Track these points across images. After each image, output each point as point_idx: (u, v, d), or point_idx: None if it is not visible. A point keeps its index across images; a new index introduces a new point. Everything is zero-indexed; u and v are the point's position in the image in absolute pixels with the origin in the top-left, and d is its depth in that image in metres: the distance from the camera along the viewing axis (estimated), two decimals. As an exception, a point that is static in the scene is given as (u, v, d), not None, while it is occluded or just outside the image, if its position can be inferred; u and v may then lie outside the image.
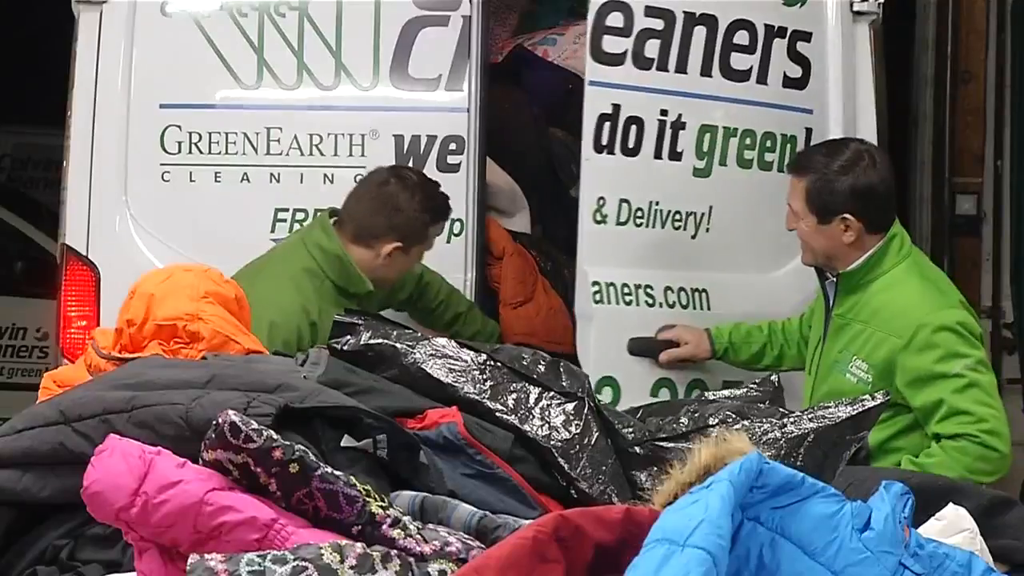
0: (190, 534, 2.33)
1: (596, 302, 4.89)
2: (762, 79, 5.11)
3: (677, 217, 5.04)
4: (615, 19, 4.92)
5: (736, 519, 2.04)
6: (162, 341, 3.66)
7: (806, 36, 5.14)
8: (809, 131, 5.17)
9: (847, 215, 4.35)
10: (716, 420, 3.29)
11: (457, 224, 5.11)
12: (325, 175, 5.17)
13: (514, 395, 3.23)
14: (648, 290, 5.00)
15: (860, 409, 3.30)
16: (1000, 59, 8.01)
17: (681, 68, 5.01)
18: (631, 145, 4.94)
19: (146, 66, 5.23)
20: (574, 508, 2.24)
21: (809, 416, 3.28)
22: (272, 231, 5.18)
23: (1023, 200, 7.84)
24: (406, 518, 2.39)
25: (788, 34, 5.13)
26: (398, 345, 3.30)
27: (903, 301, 4.37)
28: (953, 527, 2.52)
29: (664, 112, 4.99)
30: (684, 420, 3.32)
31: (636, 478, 3.21)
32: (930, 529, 2.47)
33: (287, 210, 5.17)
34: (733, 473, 2.05)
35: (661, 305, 5.01)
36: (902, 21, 7.66)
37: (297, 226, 5.12)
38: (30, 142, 12.66)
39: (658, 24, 4.96)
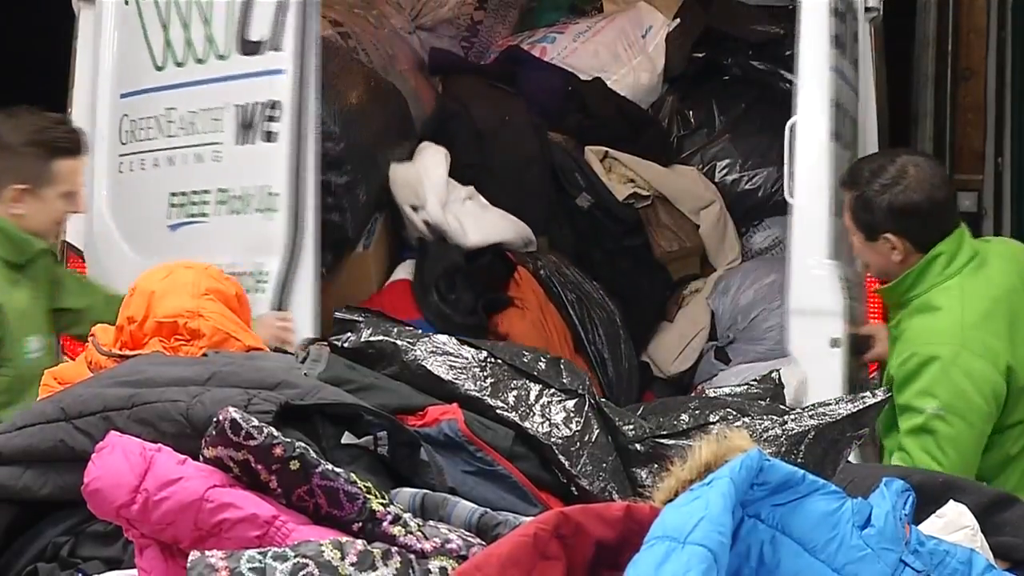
0: (191, 531, 2.33)
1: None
2: None
3: None
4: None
5: (737, 516, 2.04)
6: (163, 338, 3.67)
7: None
8: None
9: (888, 235, 4.23)
10: (717, 417, 3.29)
11: (269, 199, 4.86)
12: (198, 155, 5.06)
13: (515, 392, 3.23)
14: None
15: (860, 406, 3.29)
16: (1001, 56, 8.02)
17: None
18: None
19: (111, 57, 5.24)
20: (575, 505, 2.24)
21: (810, 413, 3.28)
22: (168, 218, 5.12)
23: (1024, 197, 7.87)
24: (407, 515, 2.39)
25: None
26: (399, 342, 3.30)
27: (920, 324, 4.23)
28: (954, 524, 2.52)
29: None
30: (685, 417, 3.32)
31: (637, 475, 3.21)
32: (931, 526, 2.47)
33: (184, 194, 5.08)
34: (734, 470, 2.06)
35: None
36: (903, 19, 7.66)
37: (194, 208, 5.03)
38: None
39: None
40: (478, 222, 5.92)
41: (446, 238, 5.86)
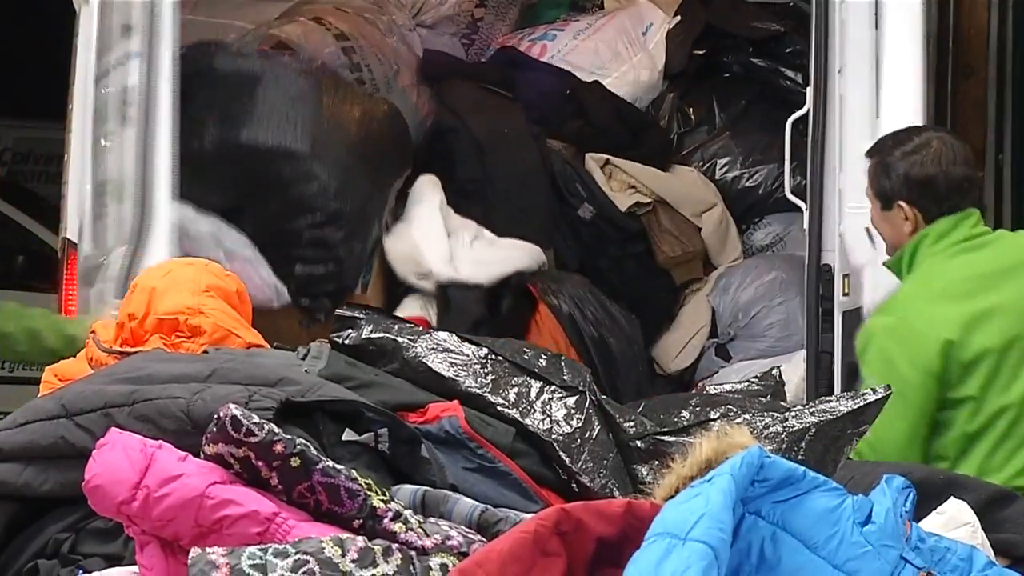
0: (191, 528, 2.33)
1: None
2: None
3: None
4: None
5: (737, 513, 2.04)
6: (163, 335, 3.67)
7: None
8: None
9: (902, 203, 4.25)
10: (717, 414, 3.28)
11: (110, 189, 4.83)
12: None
13: (515, 389, 3.23)
14: None
15: (861, 403, 3.29)
16: (1001, 53, 8.02)
17: None
18: None
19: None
20: (575, 502, 2.24)
21: (810, 410, 3.28)
22: None
23: (1024, 193, 7.87)
24: (407, 512, 2.39)
25: None
26: (399, 339, 3.29)
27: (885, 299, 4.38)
28: (954, 521, 2.52)
29: None
30: (685, 414, 3.32)
31: (637, 472, 3.21)
32: (931, 523, 2.47)
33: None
34: (734, 467, 2.06)
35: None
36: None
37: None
38: (31, 136, 12.68)
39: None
40: (489, 262, 5.88)
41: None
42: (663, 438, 3.24)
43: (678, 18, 6.76)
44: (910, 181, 4.24)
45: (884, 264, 4.49)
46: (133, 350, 3.61)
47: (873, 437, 3.77)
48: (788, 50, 6.57)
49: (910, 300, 4.23)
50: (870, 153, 4.43)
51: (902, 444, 4.06)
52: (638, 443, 3.25)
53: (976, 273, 4.24)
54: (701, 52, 6.72)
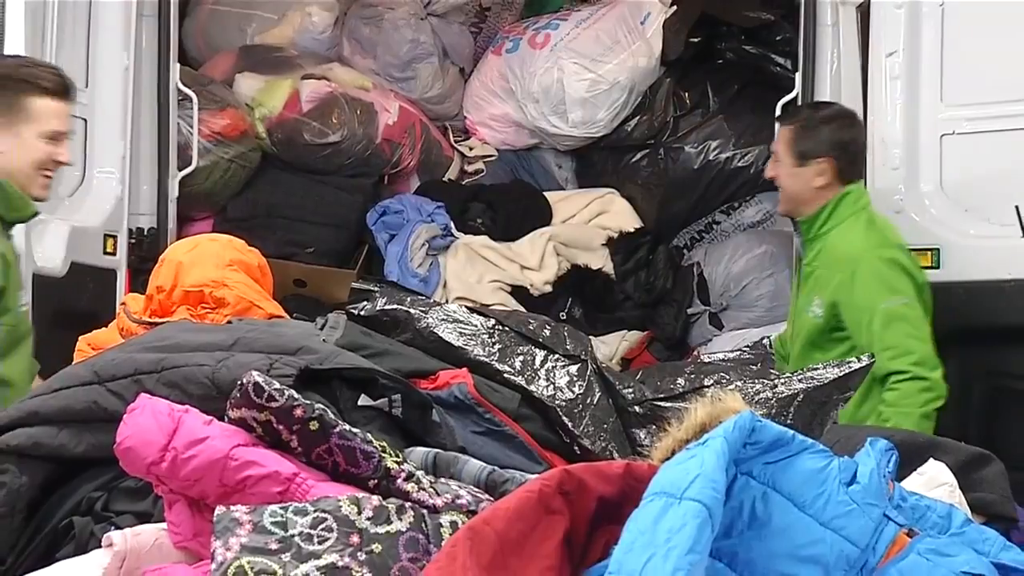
0: (216, 487, 2.33)
1: None
2: None
3: None
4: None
5: (730, 474, 2.04)
6: (190, 306, 3.67)
7: None
8: None
9: (823, 158, 4.61)
10: (711, 381, 3.29)
11: None
12: None
13: (521, 358, 3.23)
14: None
15: (846, 371, 3.29)
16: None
17: None
18: None
19: None
20: (578, 464, 2.23)
21: (799, 377, 3.28)
22: None
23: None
24: (419, 473, 2.39)
25: None
26: (412, 310, 3.29)
27: (848, 241, 4.56)
28: (934, 481, 2.52)
29: None
30: (681, 381, 3.32)
31: (636, 435, 3.21)
32: (912, 483, 2.47)
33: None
34: (727, 430, 2.05)
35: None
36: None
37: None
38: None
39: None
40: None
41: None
42: (660, 403, 3.25)
43: (674, 8, 6.74)
44: (835, 140, 4.64)
45: (801, 221, 4.72)
46: (161, 320, 3.61)
47: (917, 356, 4.29)
48: (778, 37, 6.55)
49: (895, 238, 4.60)
50: (784, 119, 4.88)
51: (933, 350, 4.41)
52: (636, 408, 3.25)
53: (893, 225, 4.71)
54: (696, 40, 6.70)
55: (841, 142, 4.65)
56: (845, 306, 4.47)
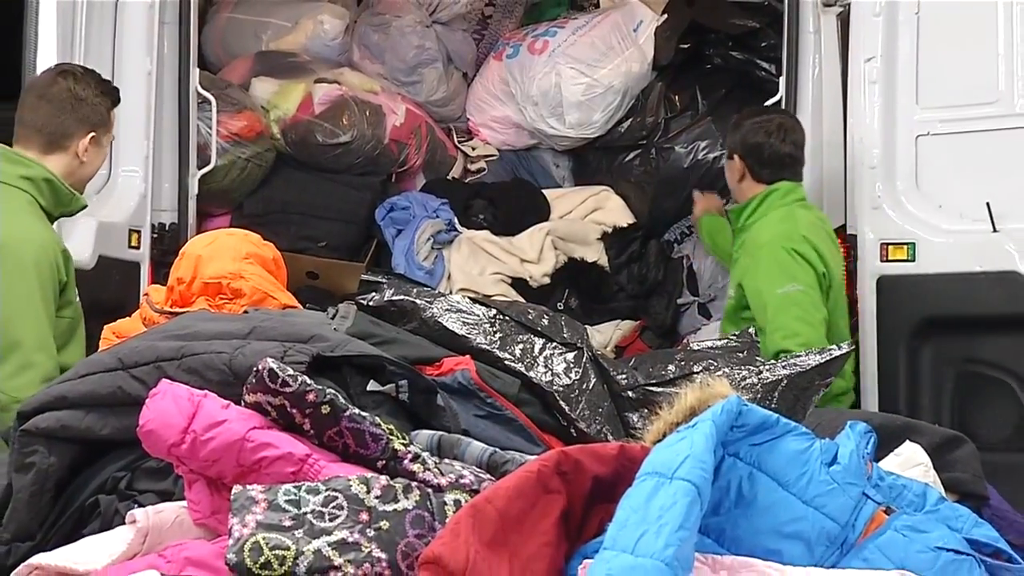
0: (234, 467, 2.33)
1: None
2: None
3: None
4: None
5: (718, 455, 2.04)
6: (208, 297, 3.67)
7: None
8: None
9: (736, 157, 4.94)
10: (700, 368, 3.29)
11: None
12: None
13: (521, 345, 3.23)
14: None
15: (827, 358, 3.29)
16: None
17: None
18: None
19: None
20: (574, 445, 2.23)
21: (782, 364, 3.28)
22: None
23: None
24: (425, 454, 2.39)
25: None
26: (418, 301, 3.29)
27: (762, 231, 4.78)
28: (910, 462, 2.51)
29: None
30: (672, 367, 3.32)
31: (629, 419, 3.21)
32: (889, 463, 2.46)
33: None
34: (716, 414, 2.05)
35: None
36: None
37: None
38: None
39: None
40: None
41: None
42: (652, 389, 3.24)
43: (665, 16, 6.72)
44: (745, 141, 4.94)
45: (730, 211, 5.10)
46: (182, 310, 3.61)
47: (803, 339, 4.37)
48: (763, 44, 6.53)
49: (804, 234, 4.74)
50: (733, 122, 5.15)
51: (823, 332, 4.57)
52: (629, 393, 3.24)
53: (814, 219, 4.87)
54: (686, 46, 6.68)
55: (750, 144, 4.90)
56: (748, 289, 4.69)
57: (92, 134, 4.02)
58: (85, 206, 4.11)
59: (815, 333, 4.48)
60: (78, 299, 4.04)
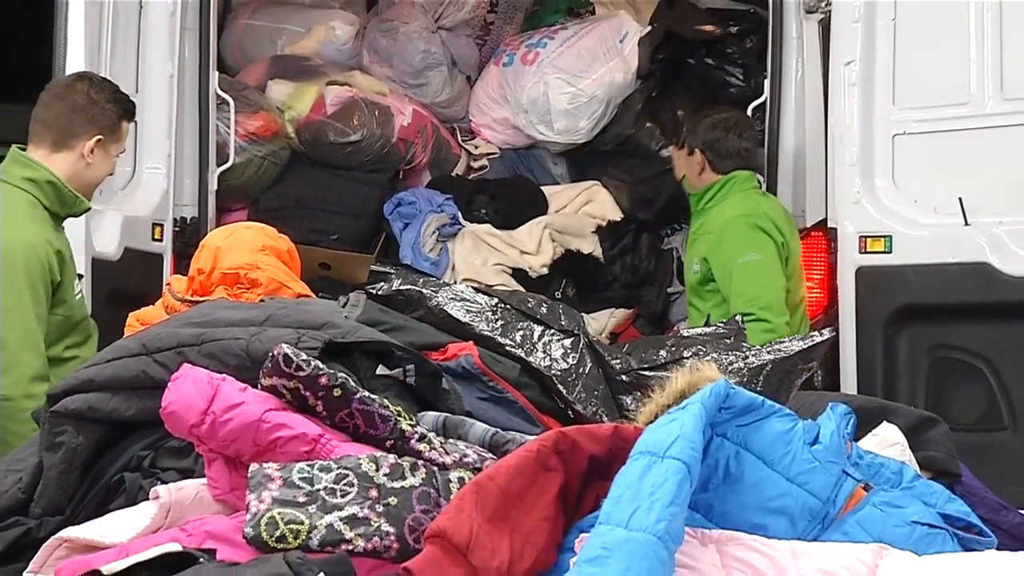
0: (251, 447, 2.32)
1: None
2: None
3: None
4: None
5: (707, 435, 2.03)
6: (227, 287, 3.66)
7: None
8: None
9: (696, 151, 5.17)
10: (690, 353, 3.27)
11: None
12: None
13: (521, 332, 3.22)
14: None
15: (809, 343, 3.28)
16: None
17: None
18: None
19: None
20: (571, 426, 2.22)
21: (767, 350, 3.27)
22: None
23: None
24: (431, 434, 2.38)
25: None
26: (424, 290, 3.28)
27: (724, 211, 5.01)
28: (887, 441, 2.51)
29: None
30: (663, 353, 3.31)
31: (623, 401, 3.20)
32: (867, 443, 2.46)
33: None
34: (704, 397, 2.04)
35: None
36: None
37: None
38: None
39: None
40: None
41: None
42: (644, 373, 3.23)
43: (649, 28, 6.69)
44: (707, 137, 5.16)
45: (691, 194, 5.25)
46: (202, 299, 3.60)
47: (764, 301, 4.71)
48: (728, 50, 6.54)
49: (765, 212, 4.97)
50: (681, 127, 5.52)
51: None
52: (623, 377, 3.24)
53: (772, 202, 5.17)
54: (661, 56, 6.64)
55: (711, 140, 5.14)
56: (713, 261, 4.89)
57: (99, 137, 4.01)
58: (89, 208, 4.11)
59: (774, 297, 4.73)
60: (80, 294, 4.03)
